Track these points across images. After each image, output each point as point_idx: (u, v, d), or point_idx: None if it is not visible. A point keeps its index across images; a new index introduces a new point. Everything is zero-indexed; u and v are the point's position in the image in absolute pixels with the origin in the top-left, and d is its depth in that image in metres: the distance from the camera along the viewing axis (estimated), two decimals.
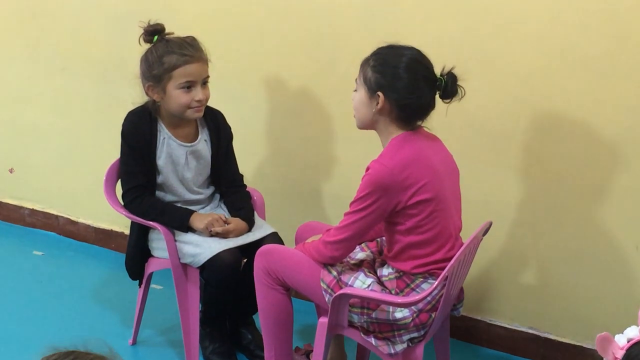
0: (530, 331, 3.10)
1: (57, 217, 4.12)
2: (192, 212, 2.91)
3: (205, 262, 2.81)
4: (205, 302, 2.97)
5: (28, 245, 4.02)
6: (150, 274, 3.06)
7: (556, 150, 2.89)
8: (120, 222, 3.84)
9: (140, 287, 3.08)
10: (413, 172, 2.37)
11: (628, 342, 1.67)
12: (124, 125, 2.92)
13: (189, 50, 2.81)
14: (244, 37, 3.37)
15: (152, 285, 3.14)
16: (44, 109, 4.01)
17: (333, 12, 3.15)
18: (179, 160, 2.94)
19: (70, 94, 3.91)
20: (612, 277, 2.91)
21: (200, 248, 2.83)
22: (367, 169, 2.41)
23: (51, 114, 4.00)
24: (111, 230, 3.96)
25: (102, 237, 4.00)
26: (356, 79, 2.50)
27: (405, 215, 2.41)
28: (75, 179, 4.02)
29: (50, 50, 3.90)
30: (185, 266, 2.89)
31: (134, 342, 3.15)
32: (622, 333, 1.69)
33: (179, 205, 2.96)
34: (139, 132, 2.89)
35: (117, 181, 3.03)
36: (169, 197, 2.97)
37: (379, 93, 2.41)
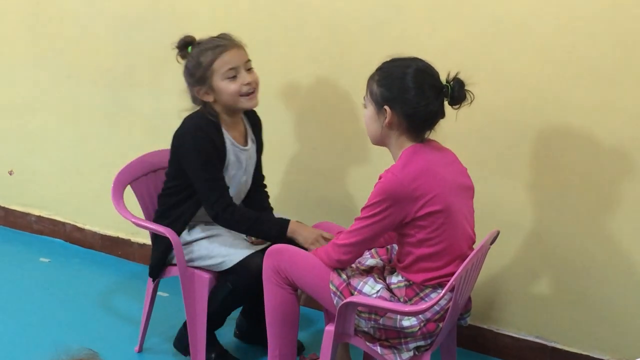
0: (538, 340, 3.09)
1: (63, 224, 4.12)
2: (288, 220, 2.86)
3: (235, 266, 2.80)
4: (215, 308, 2.92)
5: (35, 252, 4.02)
6: (158, 281, 3.06)
7: (564, 159, 2.88)
8: (126, 229, 3.85)
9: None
10: (423, 183, 2.38)
11: None
12: (195, 133, 2.82)
13: (221, 41, 2.82)
14: (251, 46, 3.34)
15: (159, 293, 3.14)
16: (51, 116, 4.02)
17: (340, 21, 3.16)
18: (242, 165, 2.94)
19: (77, 101, 3.92)
20: (621, 287, 2.90)
21: (231, 249, 2.83)
22: (380, 178, 2.43)
23: (58, 121, 4.01)
24: (117, 237, 3.97)
25: (108, 244, 4.00)
26: (364, 96, 2.51)
27: (415, 226, 2.41)
28: (82, 186, 4.02)
29: (57, 58, 3.91)
30: (193, 273, 2.89)
31: (140, 350, 3.15)
32: None
33: None
34: (212, 140, 2.83)
35: (125, 187, 3.02)
36: None
37: (386, 107, 2.42)
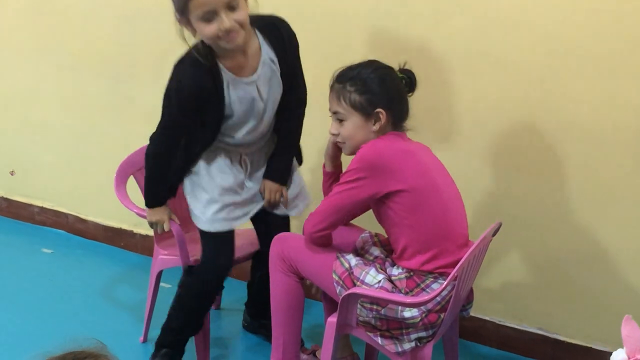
0: (539, 332, 3.10)
1: (66, 215, 4.13)
2: (166, 200, 2.79)
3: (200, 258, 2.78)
4: (174, 310, 2.86)
5: (37, 243, 4.03)
6: (160, 272, 3.07)
7: (566, 151, 2.88)
8: (129, 220, 3.85)
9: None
10: (401, 159, 2.44)
11: None
12: (182, 81, 2.59)
13: None
14: None
15: (162, 284, 3.14)
16: (54, 108, 4.02)
17: (343, 12, 3.15)
18: (252, 96, 2.66)
19: (80, 92, 3.92)
20: (622, 278, 2.90)
21: (207, 210, 2.74)
22: (360, 148, 2.48)
23: (61, 112, 4.01)
24: (120, 228, 3.97)
25: (111, 235, 4.01)
26: (335, 112, 2.53)
27: (398, 204, 2.43)
28: (84, 177, 4.03)
29: (60, 49, 3.91)
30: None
31: (145, 340, 3.15)
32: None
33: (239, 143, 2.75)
34: (199, 87, 2.58)
35: (127, 178, 3.02)
36: (236, 134, 2.73)
37: (379, 109, 2.47)
